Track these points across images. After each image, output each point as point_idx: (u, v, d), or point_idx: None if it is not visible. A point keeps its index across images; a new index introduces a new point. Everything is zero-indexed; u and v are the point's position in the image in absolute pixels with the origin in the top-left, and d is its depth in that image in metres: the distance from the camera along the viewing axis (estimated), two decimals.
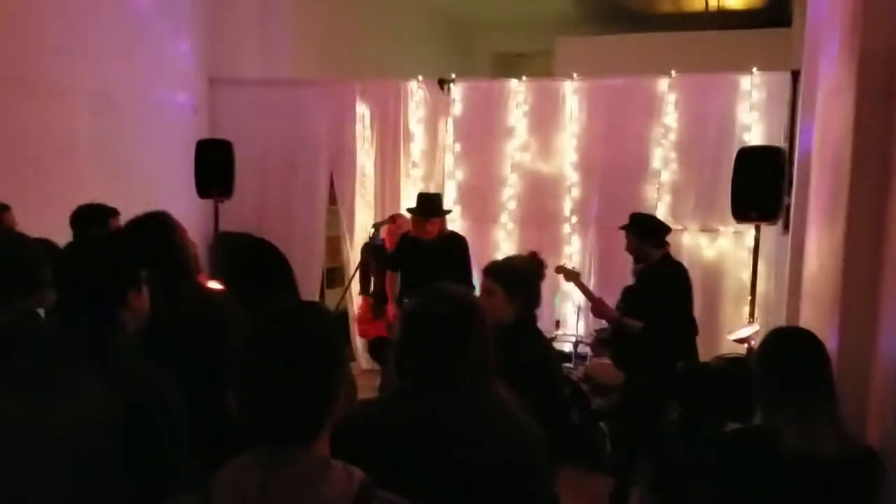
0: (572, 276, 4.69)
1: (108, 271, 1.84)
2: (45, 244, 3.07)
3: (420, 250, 5.01)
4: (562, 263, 5.26)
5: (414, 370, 1.75)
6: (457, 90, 6.53)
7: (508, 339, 2.26)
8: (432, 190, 6.53)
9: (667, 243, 4.36)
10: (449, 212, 5.50)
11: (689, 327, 4.36)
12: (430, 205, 5.09)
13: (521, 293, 2.75)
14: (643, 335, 4.14)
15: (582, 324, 6.05)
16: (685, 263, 5.76)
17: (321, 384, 1.43)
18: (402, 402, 1.74)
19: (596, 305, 4.47)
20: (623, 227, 4.44)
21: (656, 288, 4.20)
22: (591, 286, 5.85)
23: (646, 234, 4.33)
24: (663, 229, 4.40)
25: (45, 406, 1.67)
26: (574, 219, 6.27)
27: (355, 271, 6.59)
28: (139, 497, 1.69)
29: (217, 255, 2.94)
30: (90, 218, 3.61)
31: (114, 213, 3.69)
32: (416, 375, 1.74)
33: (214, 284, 2.65)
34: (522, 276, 2.82)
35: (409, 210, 5.20)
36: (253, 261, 2.61)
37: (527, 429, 1.75)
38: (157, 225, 2.62)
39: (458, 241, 5.22)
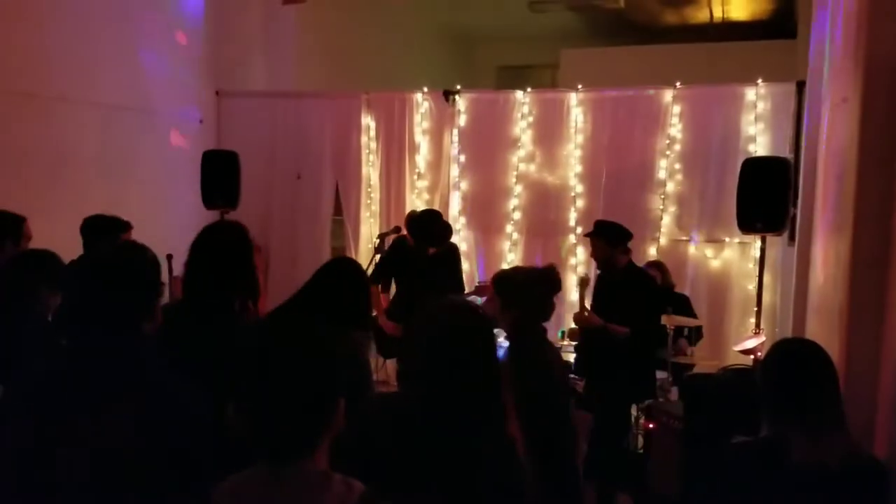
0: (583, 285, 4.70)
1: (141, 284, 1.80)
2: (47, 256, 3.07)
3: (417, 260, 5.00)
4: (582, 275, 5.29)
5: (446, 396, 1.74)
6: (462, 101, 6.54)
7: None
8: (437, 200, 6.54)
9: (629, 250, 4.40)
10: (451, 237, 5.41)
11: (657, 332, 4.48)
12: (439, 233, 5.05)
13: (516, 303, 2.77)
14: (630, 340, 4.17)
15: None
16: (690, 274, 5.73)
17: (320, 399, 1.44)
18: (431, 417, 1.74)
19: (581, 312, 4.47)
20: (589, 234, 4.47)
21: (639, 293, 4.26)
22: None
23: (615, 240, 4.35)
24: (628, 236, 4.43)
25: (77, 422, 1.61)
26: (579, 229, 6.25)
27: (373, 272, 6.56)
28: None
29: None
30: (103, 229, 3.60)
31: (126, 227, 3.68)
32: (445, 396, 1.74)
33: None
34: (519, 288, 2.83)
35: (411, 232, 5.06)
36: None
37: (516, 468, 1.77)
38: (239, 240, 2.43)
39: (452, 252, 5.21)
